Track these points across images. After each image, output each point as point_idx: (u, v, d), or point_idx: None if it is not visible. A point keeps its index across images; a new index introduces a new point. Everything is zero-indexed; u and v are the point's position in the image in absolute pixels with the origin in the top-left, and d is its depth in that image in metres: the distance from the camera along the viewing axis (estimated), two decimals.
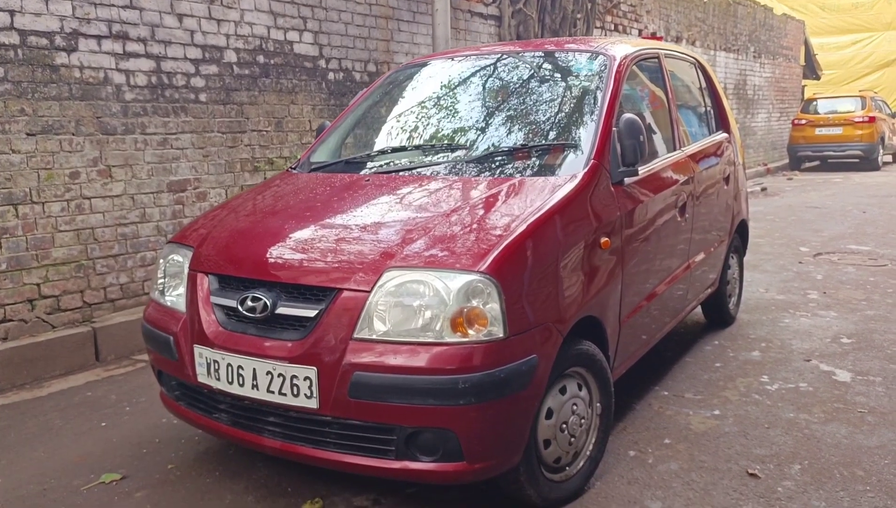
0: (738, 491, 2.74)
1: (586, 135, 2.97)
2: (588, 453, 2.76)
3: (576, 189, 2.72)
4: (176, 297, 2.80)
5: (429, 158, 3.16)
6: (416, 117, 3.49)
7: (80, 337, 4.53)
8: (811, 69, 19.98)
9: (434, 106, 3.50)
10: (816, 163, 17.20)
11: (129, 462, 3.08)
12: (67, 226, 4.62)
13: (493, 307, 2.25)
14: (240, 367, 2.45)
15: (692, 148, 3.96)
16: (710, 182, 4.10)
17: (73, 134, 4.60)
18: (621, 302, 2.97)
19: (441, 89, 3.60)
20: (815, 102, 16.87)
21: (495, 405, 2.25)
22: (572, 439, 2.65)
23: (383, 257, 2.37)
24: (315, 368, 2.31)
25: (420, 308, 2.27)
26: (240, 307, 2.49)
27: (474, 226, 2.50)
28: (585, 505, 2.67)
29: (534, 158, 2.99)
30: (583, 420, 2.70)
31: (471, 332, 2.24)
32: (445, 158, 3.11)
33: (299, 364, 2.33)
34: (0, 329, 4.33)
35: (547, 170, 2.90)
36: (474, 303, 2.24)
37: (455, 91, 3.54)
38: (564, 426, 2.61)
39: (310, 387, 2.32)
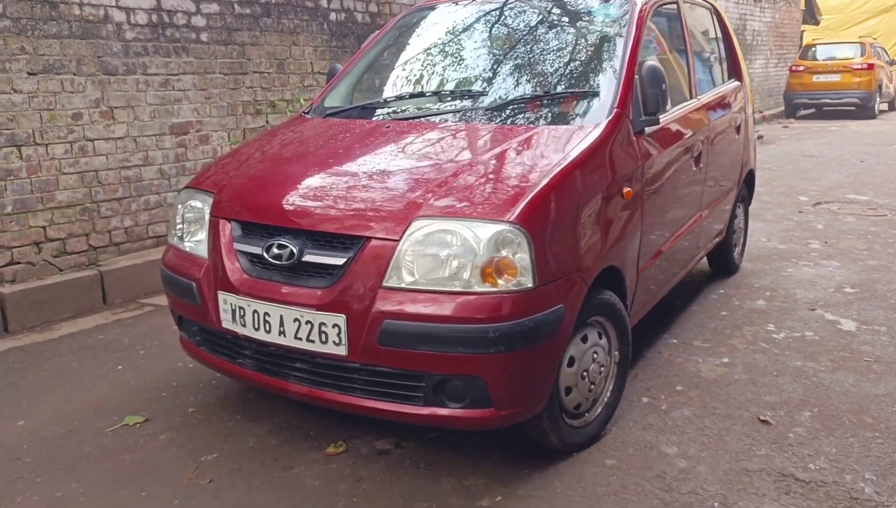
0: (750, 437, 2.81)
1: (609, 83, 2.94)
2: (606, 399, 2.81)
3: (600, 138, 2.70)
4: (196, 243, 2.79)
5: (448, 105, 3.11)
6: (432, 63, 3.43)
7: (87, 281, 4.52)
8: (811, 14, 19.72)
9: (450, 51, 3.44)
10: (812, 111, 17.10)
11: (150, 406, 3.11)
12: (71, 169, 4.55)
13: (523, 257, 2.25)
14: (266, 314, 2.46)
15: (707, 97, 3.93)
16: (723, 132, 4.08)
17: (75, 74, 4.50)
18: (639, 252, 2.99)
19: (456, 34, 3.53)
20: (813, 49, 16.69)
21: (524, 354, 2.28)
22: (592, 386, 2.70)
23: (411, 206, 2.36)
24: (344, 315, 2.32)
25: (449, 258, 2.27)
26: (265, 255, 2.48)
27: (501, 175, 2.48)
28: (603, 450, 2.73)
29: (556, 106, 2.96)
30: (602, 368, 2.74)
31: (500, 282, 2.24)
32: (466, 106, 3.07)
33: (328, 312, 2.34)
34: (8, 272, 4.31)
35: (570, 118, 2.87)
36: (504, 253, 2.25)
37: (471, 36, 3.47)
38: (585, 373, 2.65)
39: (338, 334, 2.34)
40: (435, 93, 3.23)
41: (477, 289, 2.24)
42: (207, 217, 2.73)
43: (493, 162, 2.56)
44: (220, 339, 2.71)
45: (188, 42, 5.11)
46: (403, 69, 3.51)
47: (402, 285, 2.29)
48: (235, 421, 2.96)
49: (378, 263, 2.31)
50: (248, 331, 2.52)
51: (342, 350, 2.35)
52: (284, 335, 2.44)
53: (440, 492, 2.48)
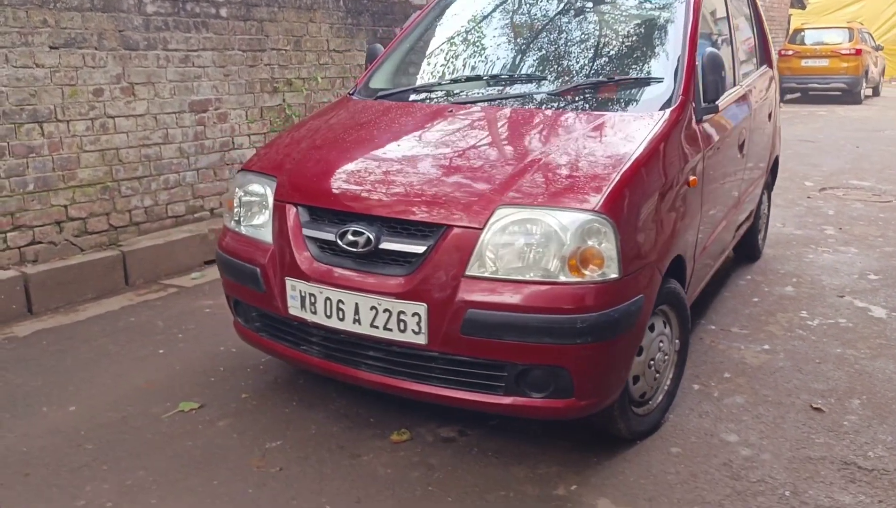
0: (806, 425, 2.84)
1: (673, 69, 2.90)
2: (666, 387, 2.82)
3: (669, 126, 2.69)
4: (256, 227, 2.73)
5: (511, 90, 3.06)
6: (483, 45, 3.37)
7: (109, 261, 4.42)
8: None
9: (501, 34, 3.39)
10: (798, 95, 17.22)
11: (201, 391, 3.06)
12: (92, 146, 4.44)
13: (609, 247, 2.24)
14: (340, 301, 2.42)
15: (747, 82, 3.93)
16: (760, 118, 4.09)
17: (96, 48, 4.38)
18: (697, 240, 2.99)
19: (507, 16, 3.48)
20: (802, 33, 16.78)
21: (608, 345, 2.27)
22: (657, 374, 2.71)
23: (493, 194, 2.33)
24: (425, 304, 2.29)
25: (534, 247, 2.25)
26: (339, 241, 2.44)
27: (579, 163, 2.46)
28: (666, 438, 2.75)
29: (623, 92, 2.93)
30: (666, 356, 2.75)
31: (586, 272, 2.23)
32: (529, 90, 3.02)
33: (408, 300, 2.31)
34: (30, 251, 4.21)
35: (639, 105, 2.84)
36: (591, 243, 2.23)
37: (524, 18, 3.42)
38: (652, 362, 2.65)
39: (418, 323, 2.31)
40: (492, 77, 3.17)
41: (563, 279, 2.22)
42: (271, 201, 2.67)
43: (569, 149, 2.53)
44: (284, 325, 2.67)
45: (208, 17, 4.99)
46: (453, 51, 3.44)
47: (486, 274, 2.26)
48: (292, 408, 2.92)
49: (461, 251, 2.28)
50: (319, 318, 2.49)
51: (421, 339, 2.32)
52: (359, 324, 2.40)
53: (513, 480, 2.47)
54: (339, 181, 2.57)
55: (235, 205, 2.83)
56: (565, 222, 2.24)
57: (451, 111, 2.92)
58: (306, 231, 2.54)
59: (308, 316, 2.52)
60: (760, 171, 4.36)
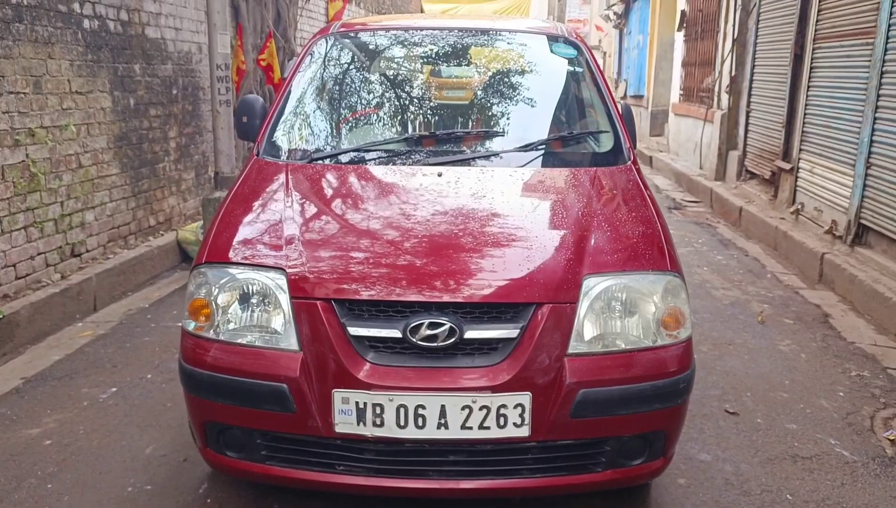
0: (739, 431, 3.24)
1: (614, 122, 3.05)
2: None
3: (640, 174, 2.84)
4: (262, 333, 2.20)
5: (482, 148, 2.90)
6: (412, 100, 3.14)
7: None
8: None
9: (426, 89, 3.20)
10: None
11: None
12: None
13: (684, 304, 2.31)
14: (419, 407, 2.09)
15: None
16: None
17: None
18: None
19: (415, 67, 3.28)
20: None
21: (688, 400, 2.34)
22: None
23: (572, 264, 2.23)
24: (529, 393, 2.10)
25: (630, 314, 2.22)
26: (411, 337, 2.09)
27: (622, 224, 2.46)
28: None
29: (586, 145, 2.98)
30: None
31: (674, 332, 2.26)
32: (497, 148, 2.90)
33: (508, 392, 2.10)
34: None
35: (613, 158, 2.89)
36: (673, 302, 2.27)
37: (437, 70, 3.27)
38: None
39: (521, 415, 2.11)
40: (446, 133, 2.96)
41: (660, 342, 2.24)
42: (285, 300, 2.17)
43: (601, 208, 2.52)
44: (318, 447, 2.19)
45: None
46: (370, 104, 3.14)
47: (591, 350, 2.16)
48: None
49: (559, 329, 2.14)
50: (387, 431, 2.11)
51: (524, 431, 2.13)
52: (446, 428, 2.10)
53: None
54: (384, 267, 2.20)
55: (210, 309, 2.23)
56: (652, 284, 2.25)
57: (441, 174, 2.66)
58: (353, 330, 2.13)
59: (368, 431, 2.12)
60: None
